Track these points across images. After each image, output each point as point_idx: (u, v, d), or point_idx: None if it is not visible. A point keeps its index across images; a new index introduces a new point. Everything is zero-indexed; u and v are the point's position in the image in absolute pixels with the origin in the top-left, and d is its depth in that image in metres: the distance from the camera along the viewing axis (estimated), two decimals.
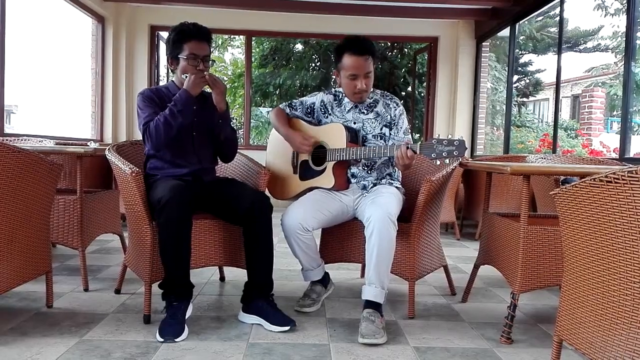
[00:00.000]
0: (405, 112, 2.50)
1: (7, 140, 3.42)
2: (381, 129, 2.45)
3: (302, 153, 2.49)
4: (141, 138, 2.27)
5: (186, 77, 2.22)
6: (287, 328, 2.11)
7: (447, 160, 2.08)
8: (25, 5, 5.38)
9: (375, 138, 2.45)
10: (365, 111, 2.47)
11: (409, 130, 2.50)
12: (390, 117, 2.46)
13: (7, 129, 4.81)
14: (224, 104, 2.32)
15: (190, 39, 2.26)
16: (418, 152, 2.14)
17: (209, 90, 2.34)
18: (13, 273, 2.00)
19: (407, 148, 2.14)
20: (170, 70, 2.41)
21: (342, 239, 2.51)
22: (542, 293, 2.82)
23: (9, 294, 2.41)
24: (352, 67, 2.34)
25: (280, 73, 12.81)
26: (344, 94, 2.49)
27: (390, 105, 2.48)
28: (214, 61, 2.38)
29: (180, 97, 2.19)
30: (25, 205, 2.03)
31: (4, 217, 1.91)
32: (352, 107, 2.48)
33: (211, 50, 2.38)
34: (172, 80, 2.41)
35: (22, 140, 3.70)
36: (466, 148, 2.08)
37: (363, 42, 2.36)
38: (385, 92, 2.56)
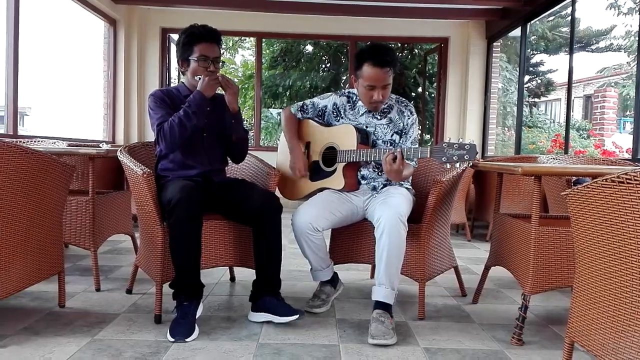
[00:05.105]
0: (417, 121, 2.49)
1: (20, 141, 3.46)
2: (392, 136, 2.44)
3: (293, 175, 2.50)
4: (153, 139, 2.29)
5: (199, 79, 2.24)
6: (295, 317, 2.12)
7: (457, 164, 2.08)
8: (38, 9, 5.44)
9: (385, 144, 2.44)
10: (379, 117, 2.46)
11: (418, 140, 2.49)
12: (403, 124, 2.45)
13: (21, 131, 4.87)
14: (236, 104, 2.33)
15: (200, 41, 2.28)
16: (428, 156, 2.14)
17: (219, 91, 2.36)
18: (26, 273, 2.02)
19: (392, 153, 2.13)
20: (181, 72, 2.42)
21: (352, 239, 2.51)
22: (553, 294, 2.80)
23: (22, 293, 2.44)
24: (371, 78, 2.29)
25: (290, 74, 12.83)
26: (358, 97, 2.47)
27: (405, 113, 2.46)
28: (223, 62, 2.40)
29: (194, 99, 2.21)
30: (38, 206, 2.05)
31: (17, 217, 1.94)
32: (365, 111, 2.46)
33: (221, 51, 2.40)
34: (183, 82, 2.43)
35: (35, 141, 3.74)
36: (477, 152, 2.06)
37: (385, 53, 2.28)
38: (401, 97, 2.53)
